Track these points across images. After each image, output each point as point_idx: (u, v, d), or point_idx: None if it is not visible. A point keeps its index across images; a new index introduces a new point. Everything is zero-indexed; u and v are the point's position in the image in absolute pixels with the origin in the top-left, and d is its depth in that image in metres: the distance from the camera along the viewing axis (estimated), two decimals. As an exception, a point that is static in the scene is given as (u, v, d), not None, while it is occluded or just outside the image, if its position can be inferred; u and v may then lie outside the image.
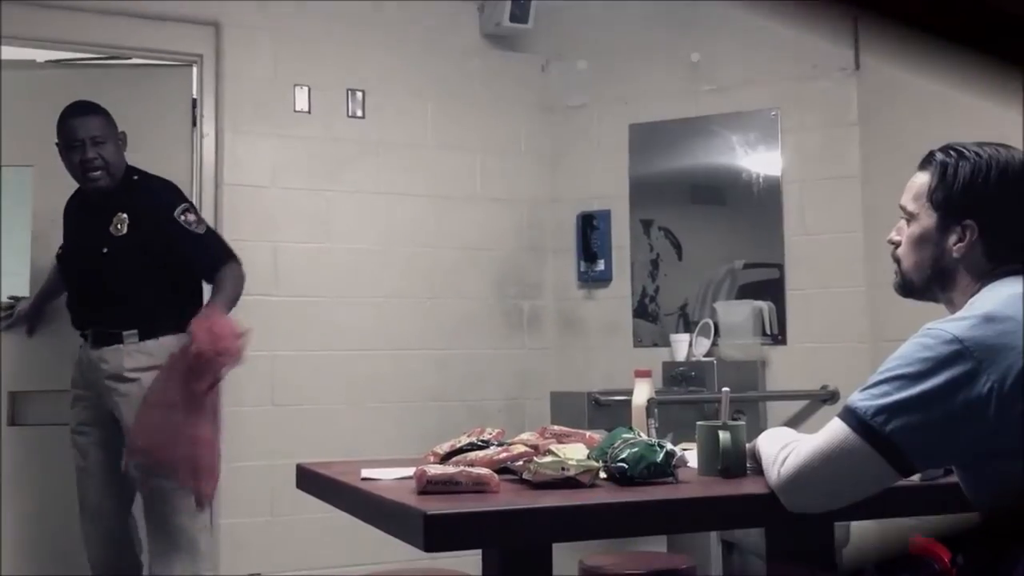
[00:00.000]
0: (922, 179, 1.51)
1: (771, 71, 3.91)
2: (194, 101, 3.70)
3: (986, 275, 1.44)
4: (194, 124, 3.70)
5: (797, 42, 3.87)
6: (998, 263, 1.44)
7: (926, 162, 1.52)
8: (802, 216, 3.83)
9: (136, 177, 3.12)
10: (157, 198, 3.06)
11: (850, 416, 1.32)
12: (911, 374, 1.29)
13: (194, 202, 3.64)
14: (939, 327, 1.32)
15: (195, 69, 3.72)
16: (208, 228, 3.15)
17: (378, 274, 3.88)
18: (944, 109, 3.35)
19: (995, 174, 1.44)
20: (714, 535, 3.32)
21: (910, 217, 1.52)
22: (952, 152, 1.48)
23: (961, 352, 1.28)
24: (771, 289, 3.83)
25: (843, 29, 3.81)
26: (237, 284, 3.04)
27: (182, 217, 3.03)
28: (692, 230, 4.02)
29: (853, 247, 3.72)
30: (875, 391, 1.31)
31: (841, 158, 3.79)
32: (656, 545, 3.40)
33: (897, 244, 1.55)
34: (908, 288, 1.54)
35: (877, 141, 3.68)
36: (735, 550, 3.35)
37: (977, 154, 1.46)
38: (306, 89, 3.81)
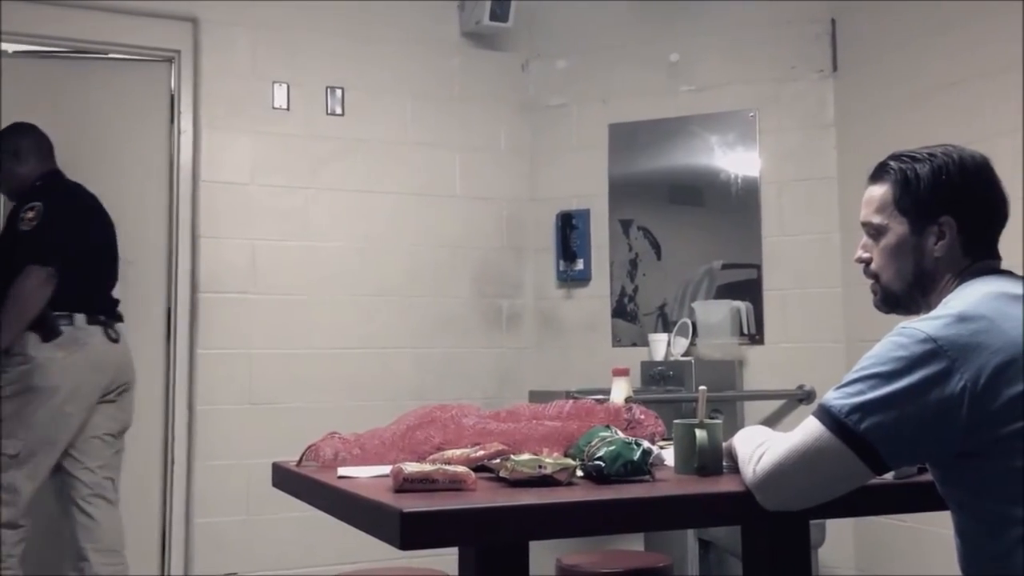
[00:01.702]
0: (880, 190, 1.51)
1: (749, 72, 3.93)
2: (172, 97, 3.68)
3: (963, 272, 1.45)
4: (171, 120, 3.68)
5: (775, 43, 3.90)
6: (974, 258, 1.45)
7: (880, 173, 1.52)
8: (780, 217, 3.85)
9: (39, 183, 3.16)
10: (27, 196, 3.10)
11: (824, 414, 1.32)
12: (885, 373, 1.30)
13: (171, 198, 3.63)
14: (913, 326, 1.33)
15: (173, 65, 3.70)
16: (37, 227, 3.01)
17: (357, 272, 3.87)
18: (920, 111, 3.38)
19: (956, 169, 1.46)
20: (691, 534, 3.34)
21: (877, 231, 1.51)
22: (905, 158, 1.49)
23: (935, 351, 1.28)
24: (749, 289, 3.85)
25: (821, 31, 3.84)
26: (25, 298, 2.95)
27: (22, 214, 3.03)
28: (671, 230, 4.04)
29: (830, 248, 3.75)
30: (849, 389, 1.32)
31: (818, 159, 3.82)
32: (634, 544, 3.41)
33: (867, 261, 1.54)
34: (891, 301, 1.53)
35: (854, 143, 3.71)
36: (712, 549, 3.37)
37: (930, 155, 1.48)
38: (285, 86, 3.80)
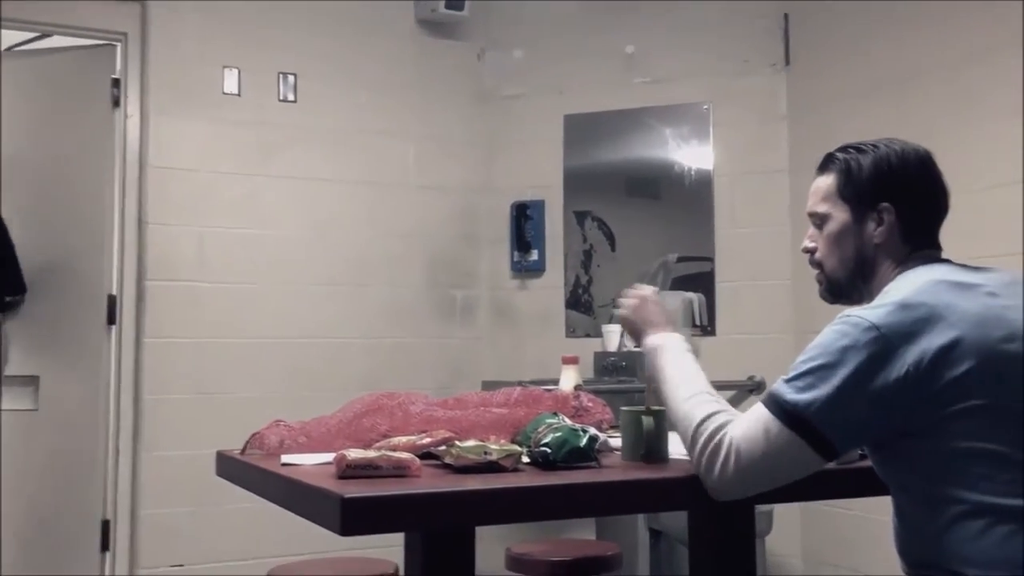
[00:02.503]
0: (826, 181, 1.54)
1: (704, 65, 3.95)
2: (117, 80, 3.60)
3: (903, 261, 1.48)
4: (116, 104, 3.60)
5: (729, 37, 3.93)
6: (914, 247, 1.48)
7: (826, 165, 1.56)
8: (732, 209, 3.88)
9: None
10: None
11: (779, 410, 1.33)
12: (832, 363, 1.31)
13: (116, 184, 3.57)
14: (857, 314, 1.35)
15: (119, 48, 3.61)
16: None
17: (309, 261, 3.83)
18: (871, 105, 3.43)
19: (896, 159, 1.50)
20: (642, 524, 3.35)
21: (822, 220, 1.54)
22: (850, 150, 1.53)
23: (879, 338, 1.30)
24: (703, 282, 3.87)
25: (774, 25, 3.87)
26: None
27: None
28: (626, 222, 4.05)
29: (781, 240, 3.78)
30: (799, 383, 1.33)
31: (770, 152, 3.85)
32: (584, 533, 3.42)
33: (812, 251, 1.57)
34: (835, 290, 1.56)
35: (805, 136, 3.75)
36: (663, 538, 3.39)
37: (874, 146, 1.52)
38: (236, 71, 3.73)
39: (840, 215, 1.52)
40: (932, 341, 1.28)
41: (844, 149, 1.54)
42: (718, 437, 1.37)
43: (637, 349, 3.69)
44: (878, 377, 1.28)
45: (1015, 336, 1.31)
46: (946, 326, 1.29)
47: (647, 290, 1.71)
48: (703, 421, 1.40)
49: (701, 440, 1.39)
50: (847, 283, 1.53)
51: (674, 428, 1.46)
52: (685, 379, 1.49)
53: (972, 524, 1.25)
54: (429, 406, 1.79)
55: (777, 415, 1.32)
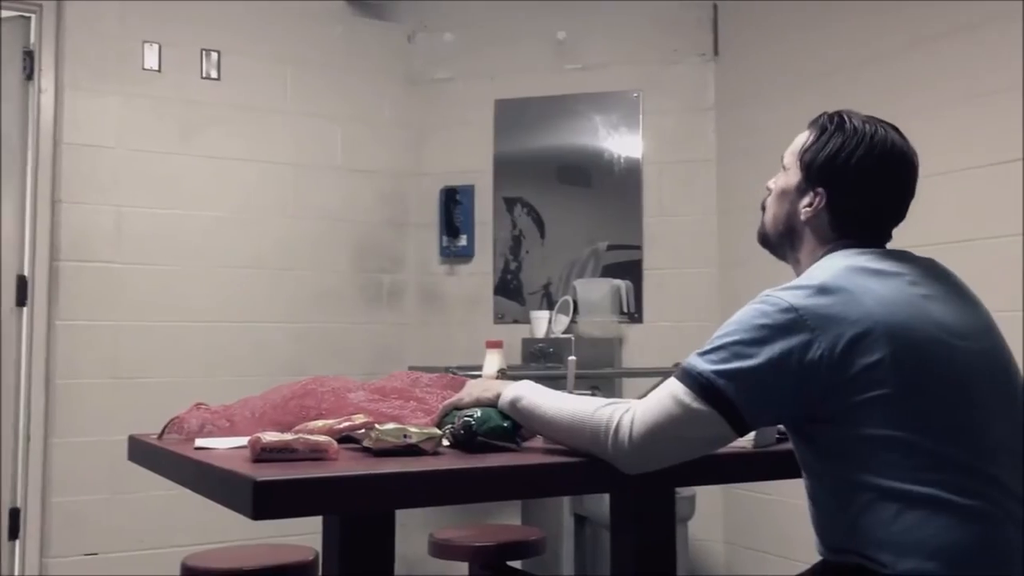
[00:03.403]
0: (804, 137, 1.55)
1: (634, 53, 3.97)
2: (30, 53, 3.46)
3: (829, 243, 1.49)
4: (30, 78, 3.45)
5: (659, 25, 3.94)
6: (841, 234, 1.49)
7: (814, 121, 1.56)
8: (660, 198, 3.91)
9: None
10: None
11: (692, 380, 1.33)
12: (748, 339, 1.32)
13: (29, 161, 3.43)
14: (776, 295, 1.36)
15: (34, 19, 3.47)
16: None
17: (231, 243, 3.74)
18: (797, 97, 3.47)
19: (860, 151, 1.48)
20: (567, 509, 3.36)
21: (784, 170, 1.57)
22: (836, 118, 1.52)
23: (796, 320, 1.31)
24: (632, 269, 3.90)
25: (703, 15, 3.90)
26: None
27: None
28: (555, 209, 4.05)
29: (708, 228, 3.82)
30: (713, 356, 1.33)
31: (698, 142, 3.89)
32: (510, 519, 3.42)
33: (769, 192, 1.59)
34: (762, 238, 1.60)
35: (732, 126, 3.79)
36: (587, 524, 3.40)
37: (855, 127, 1.50)
38: (156, 46, 3.62)
39: (792, 176, 1.53)
40: (848, 327, 1.29)
41: (834, 115, 1.52)
42: (620, 413, 1.37)
43: (567, 335, 3.72)
44: (792, 357, 1.29)
45: (930, 325, 1.33)
46: (863, 312, 1.30)
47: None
48: (598, 409, 1.40)
49: (603, 420, 1.37)
50: (775, 240, 1.57)
51: (577, 441, 1.43)
52: (560, 397, 1.48)
53: (883, 510, 1.26)
54: (370, 398, 1.74)
55: (690, 386, 1.32)
